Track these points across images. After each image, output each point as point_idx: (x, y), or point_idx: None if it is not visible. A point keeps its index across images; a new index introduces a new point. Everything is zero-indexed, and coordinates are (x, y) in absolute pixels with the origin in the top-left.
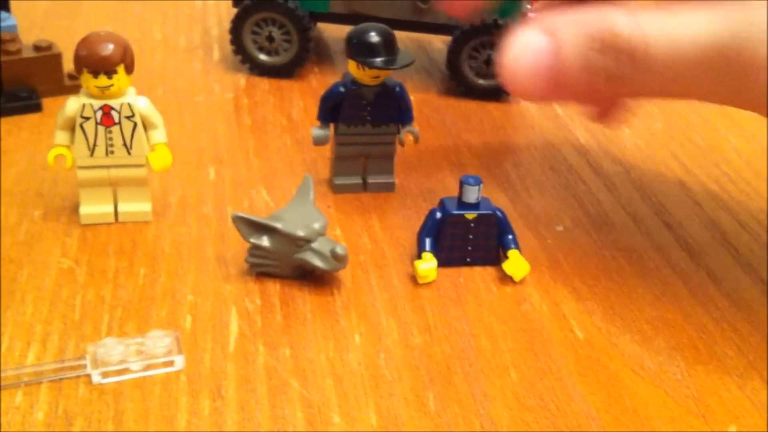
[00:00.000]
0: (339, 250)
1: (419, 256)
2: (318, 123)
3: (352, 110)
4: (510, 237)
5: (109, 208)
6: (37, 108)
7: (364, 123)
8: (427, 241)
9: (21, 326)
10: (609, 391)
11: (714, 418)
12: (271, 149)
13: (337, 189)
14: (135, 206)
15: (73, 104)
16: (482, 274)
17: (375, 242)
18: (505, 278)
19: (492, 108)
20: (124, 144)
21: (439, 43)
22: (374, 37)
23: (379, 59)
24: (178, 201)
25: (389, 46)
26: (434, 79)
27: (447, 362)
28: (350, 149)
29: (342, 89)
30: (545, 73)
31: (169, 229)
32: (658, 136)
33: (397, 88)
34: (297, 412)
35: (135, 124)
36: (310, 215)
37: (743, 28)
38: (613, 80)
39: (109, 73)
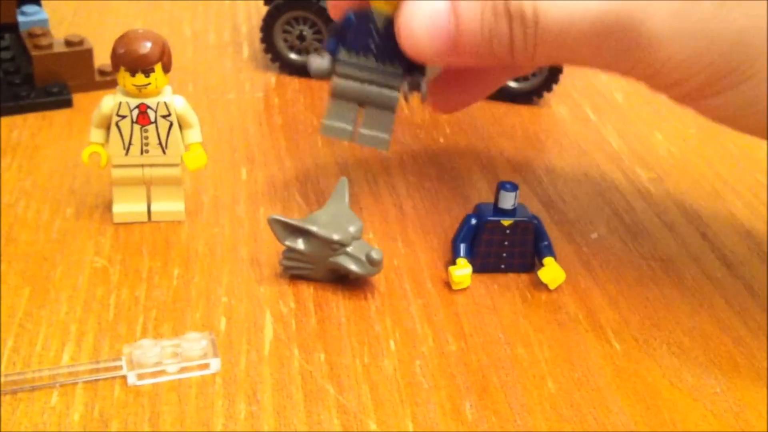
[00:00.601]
0: (375, 255)
1: (454, 262)
2: None
3: (357, 35)
4: (546, 244)
5: (143, 207)
6: (68, 104)
7: (367, 53)
8: (462, 247)
9: (56, 326)
10: (647, 404)
11: None
12: (303, 150)
13: (324, 129)
14: (168, 205)
15: (109, 102)
16: (516, 281)
17: (409, 246)
18: (540, 285)
19: (524, 111)
20: (160, 143)
21: None
22: None
23: None
24: (211, 201)
25: None
26: None
27: (483, 371)
28: (349, 85)
29: (352, 16)
30: (443, 35)
31: (202, 230)
32: (691, 142)
33: None
34: (333, 419)
35: (171, 124)
36: (345, 218)
37: None
38: (507, 45)
39: (147, 71)
